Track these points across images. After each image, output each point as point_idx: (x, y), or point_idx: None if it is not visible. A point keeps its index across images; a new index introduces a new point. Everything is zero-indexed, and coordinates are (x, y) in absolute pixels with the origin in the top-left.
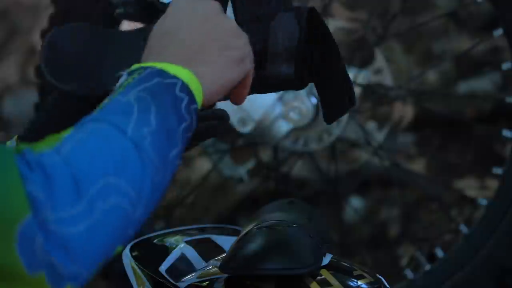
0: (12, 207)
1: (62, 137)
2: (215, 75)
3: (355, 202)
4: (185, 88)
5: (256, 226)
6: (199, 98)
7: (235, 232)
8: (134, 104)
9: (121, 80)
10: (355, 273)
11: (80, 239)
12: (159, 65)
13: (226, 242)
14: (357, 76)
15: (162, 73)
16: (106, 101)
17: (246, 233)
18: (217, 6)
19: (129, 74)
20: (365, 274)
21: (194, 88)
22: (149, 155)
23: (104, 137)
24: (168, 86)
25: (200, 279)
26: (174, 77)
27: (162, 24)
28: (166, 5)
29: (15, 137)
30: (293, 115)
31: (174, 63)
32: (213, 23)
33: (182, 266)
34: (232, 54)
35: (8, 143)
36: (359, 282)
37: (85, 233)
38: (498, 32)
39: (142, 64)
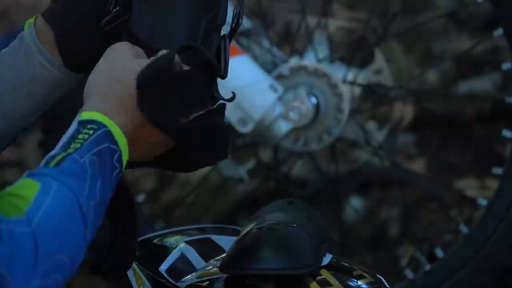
0: None
1: (33, 197)
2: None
3: (355, 202)
4: (120, 158)
5: (256, 226)
6: (125, 162)
7: (235, 232)
8: (88, 170)
9: (73, 128)
10: (355, 273)
11: None
12: (108, 122)
13: (226, 242)
14: (357, 76)
15: (110, 136)
16: (61, 153)
17: (246, 233)
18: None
19: (82, 125)
20: (365, 274)
21: (124, 158)
22: (88, 231)
23: (67, 211)
24: (112, 153)
25: (200, 279)
26: (116, 143)
27: (95, 78)
28: None
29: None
30: (293, 115)
31: (111, 116)
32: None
33: (182, 266)
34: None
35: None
36: (359, 282)
37: None
38: (498, 32)
39: (92, 117)
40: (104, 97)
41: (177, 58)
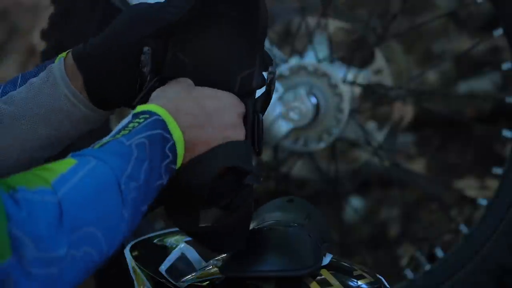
0: None
1: (64, 171)
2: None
3: (355, 202)
4: (173, 148)
5: (256, 227)
6: (180, 160)
7: None
8: (134, 151)
9: (126, 121)
10: (355, 273)
11: (49, 280)
12: (162, 113)
13: None
14: (357, 76)
15: (164, 125)
16: (108, 138)
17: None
18: (231, 101)
19: (134, 116)
20: (365, 274)
21: (179, 150)
22: (128, 211)
23: (100, 185)
24: (164, 141)
25: (200, 279)
26: (170, 133)
27: (177, 82)
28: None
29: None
30: (293, 115)
31: (172, 112)
32: (223, 114)
33: (182, 266)
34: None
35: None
36: (359, 282)
37: (55, 275)
38: (498, 32)
39: (147, 108)
40: (166, 101)
41: None
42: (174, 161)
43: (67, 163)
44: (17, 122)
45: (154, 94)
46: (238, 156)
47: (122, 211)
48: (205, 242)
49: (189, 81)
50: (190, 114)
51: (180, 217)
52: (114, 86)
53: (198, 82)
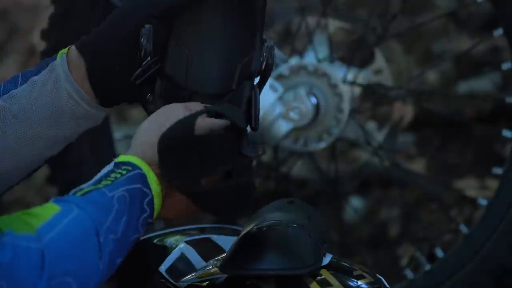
0: None
1: (49, 217)
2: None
3: (355, 202)
4: (151, 203)
5: (256, 226)
6: (156, 214)
7: (235, 232)
8: (115, 204)
9: (108, 169)
10: (355, 273)
11: None
12: (144, 167)
13: (226, 242)
14: (357, 76)
15: (144, 179)
16: (90, 187)
17: (246, 233)
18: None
19: (117, 166)
20: (365, 274)
21: (156, 204)
22: (104, 263)
23: (82, 237)
24: (143, 195)
25: (200, 279)
26: (149, 187)
27: (149, 127)
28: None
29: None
30: (293, 115)
31: (151, 163)
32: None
33: (182, 266)
34: None
35: (60, 54)
36: (359, 282)
37: None
38: (498, 32)
39: (129, 159)
40: (146, 148)
41: (203, 117)
42: (151, 215)
43: (51, 209)
44: (19, 121)
45: (137, 134)
46: (229, 110)
47: (99, 263)
48: (204, 204)
49: (173, 110)
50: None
51: (179, 176)
52: (117, 71)
53: (198, 79)
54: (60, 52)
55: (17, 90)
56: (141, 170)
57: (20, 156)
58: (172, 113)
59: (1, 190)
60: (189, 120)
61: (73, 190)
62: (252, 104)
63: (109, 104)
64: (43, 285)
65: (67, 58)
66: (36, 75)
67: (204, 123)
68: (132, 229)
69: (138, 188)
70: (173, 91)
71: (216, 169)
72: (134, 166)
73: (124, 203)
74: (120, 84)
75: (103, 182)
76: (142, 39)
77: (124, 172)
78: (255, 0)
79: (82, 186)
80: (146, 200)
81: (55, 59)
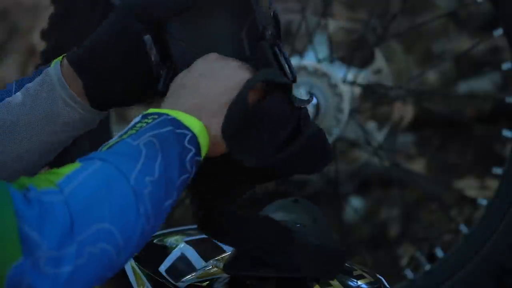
0: (5, 251)
1: (68, 172)
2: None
3: (355, 202)
4: (194, 140)
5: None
6: (205, 150)
7: None
8: (142, 149)
9: (134, 121)
10: (355, 273)
11: (65, 279)
12: (174, 113)
13: None
14: (357, 76)
15: (175, 122)
16: (116, 140)
17: None
18: (234, 65)
19: (143, 117)
20: (365, 274)
21: (202, 141)
22: (145, 206)
23: (107, 182)
24: (179, 136)
25: (200, 279)
26: (186, 128)
27: (183, 78)
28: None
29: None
30: None
31: (188, 112)
32: (227, 81)
33: (182, 266)
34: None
35: (54, 62)
36: (359, 282)
37: (71, 273)
38: (498, 32)
39: (157, 110)
40: (182, 97)
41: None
42: (198, 152)
43: (73, 166)
44: (14, 128)
45: (165, 101)
46: (264, 73)
47: (138, 206)
48: (288, 171)
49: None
50: (196, 107)
51: (254, 155)
52: (117, 86)
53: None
54: (54, 60)
55: (11, 98)
56: (169, 115)
57: (14, 163)
58: (225, 68)
59: None
60: (242, 98)
61: (100, 147)
62: (279, 58)
63: (105, 109)
64: (76, 235)
65: (61, 68)
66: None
67: (254, 97)
68: (174, 170)
69: (168, 131)
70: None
71: (283, 132)
72: (161, 114)
73: (154, 147)
74: (123, 96)
75: (128, 133)
76: (151, 55)
77: (150, 120)
78: None
79: (107, 142)
80: (187, 139)
81: (49, 66)
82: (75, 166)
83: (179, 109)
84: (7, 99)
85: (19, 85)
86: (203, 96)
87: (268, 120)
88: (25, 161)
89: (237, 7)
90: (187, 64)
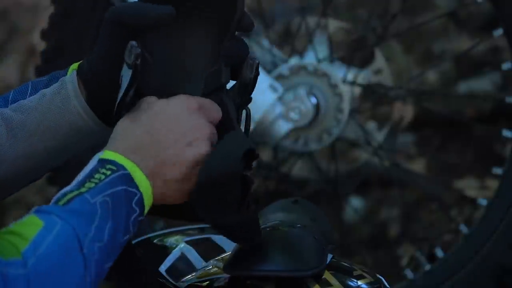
0: None
1: (33, 237)
2: (173, 181)
3: (355, 202)
4: (141, 202)
5: (260, 227)
6: (146, 210)
7: None
8: (98, 210)
9: (92, 166)
10: (355, 273)
11: None
12: (129, 166)
13: (226, 242)
14: (357, 76)
15: (129, 178)
16: (75, 191)
17: None
18: (183, 102)
19: (101, 165)
20: (365, 274)
21: (146, 202)
22: (91, 273)
23: (65, 252)
24: (129, 195)
25: (200, 279)
26: (136, 186)
27: (146, 112)
28: None
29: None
30: (293, 115)
31: (138, 161)
32: (178, 122)
33: (182, 266)
34: (193, 152)
35: (70, 69)
36: (359, 282)
37: None
38: (498, 32)
39: (114, 158)
40: (133, 147)
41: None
42: (142, 213)
43: (35, 225)
44: (25, 131)
45: (117, 129)
46: (242, 142)
47: (85, 276)
48: (234, 234)
49: (149, 101)
50: (151, 155)
51: (216, 212)
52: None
53: (161, 86)
54: (71, 67)
55: (26, 101)
56: (126, 169)
57: (23, 165)
58: (172, 113)
59: (1, 196)
60: (237, 159)
61: (57, 196)
62: (240, 120)
63: (112, 123)
64: None
65: (77, 75)
66: (47, 87)
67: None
68: (120, 232)
69: (122, 190)
70: (137, 100)
71: (248, 201)
72: (118, 166)
73: (107, 208)
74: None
75: (87, 185)
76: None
77: (108, 172)
78: (231, 13)
79: (65, 190)
80: (135, 199)
81: (66, 73)
82: (38, 225)
83: (128, 152)
84: (21, 101)
85: (34, 88)
86: (162, 150)
87: (246, 189)
88: (33, 163)
89: (211, 51)
90: (143, 75)
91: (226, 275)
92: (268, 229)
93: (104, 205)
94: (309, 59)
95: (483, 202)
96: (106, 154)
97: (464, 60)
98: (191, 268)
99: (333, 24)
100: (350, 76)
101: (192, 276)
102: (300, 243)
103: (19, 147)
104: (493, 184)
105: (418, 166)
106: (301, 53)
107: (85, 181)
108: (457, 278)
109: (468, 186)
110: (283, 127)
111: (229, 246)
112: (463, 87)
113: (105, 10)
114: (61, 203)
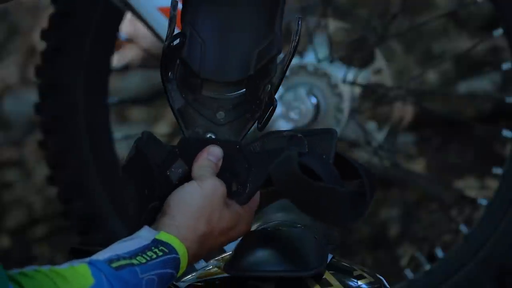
0: None
1: None
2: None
3: None
4: (175, 276)
5: (261, 227)
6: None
7: None
8: (142, 286)
9: (145, 244)
10: (355, 273)
11: None
12: (182, 252)
13: None
14: (357, 76)
15: (177, 263)
16: (127, 259)
17: (251, 234)
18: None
19: (155, 244)
20: (365, 274)
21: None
22: None
23: None
24: (172, 278)
25: (200, 279)
26: (179, 268)
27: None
28: None
29: None
30: (293, 115)
31: (188, 246)
32: (219, 214)
33: None
34: (232, 236)
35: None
36: (359, 282)
37: None
38: (498, 32)
39: (170, 240)
40: (189, 232)
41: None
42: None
43: (85, 280)
44: None
45: (172, 208)
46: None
47: None
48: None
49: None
50: (205, 247)
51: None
52: None
53: (211, 67)
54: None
55: None
56: (178, 254)
57: None
58: (216, 198)
59: None
60: (290, 163)
61: (111, 256)
62: (267, 114)
63: None
64: None
65: None
66: None
67: None
68: None
69: (169, 273)
70: (187, 77)
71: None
72: (171, 250)
73: (152, 286)
74: None
75: (138, 258)
76: (172, 10)
77: (160, 253)
78: None
79: (119, 253)
80: (174, 276)
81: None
82: (88, 282)
83: (184, 238)
84: None
85: None
86: (214, 239)
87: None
88: None
89: (263, 24)
90: (194, 54)
91: (226, 275)
92: (269, 229)
93: (150, 283)
94: (309, 59)
95: (483, 202)
96: (162, 236)
97: (464, 60)
98: (191, 268)
99: (333, 24)
100: (350, 76)
101: (192, 276)
102: (301, 243)
103: None
104: (493, 184)
105: (418, 166)
106: (301, 53)
107: (138, 254)
108: (457, 278)
109: (468, 186)
110: (283, 127)
111: (229, 246)
112: (463, 87)
113: (105, 10)
114: (113, 265)
